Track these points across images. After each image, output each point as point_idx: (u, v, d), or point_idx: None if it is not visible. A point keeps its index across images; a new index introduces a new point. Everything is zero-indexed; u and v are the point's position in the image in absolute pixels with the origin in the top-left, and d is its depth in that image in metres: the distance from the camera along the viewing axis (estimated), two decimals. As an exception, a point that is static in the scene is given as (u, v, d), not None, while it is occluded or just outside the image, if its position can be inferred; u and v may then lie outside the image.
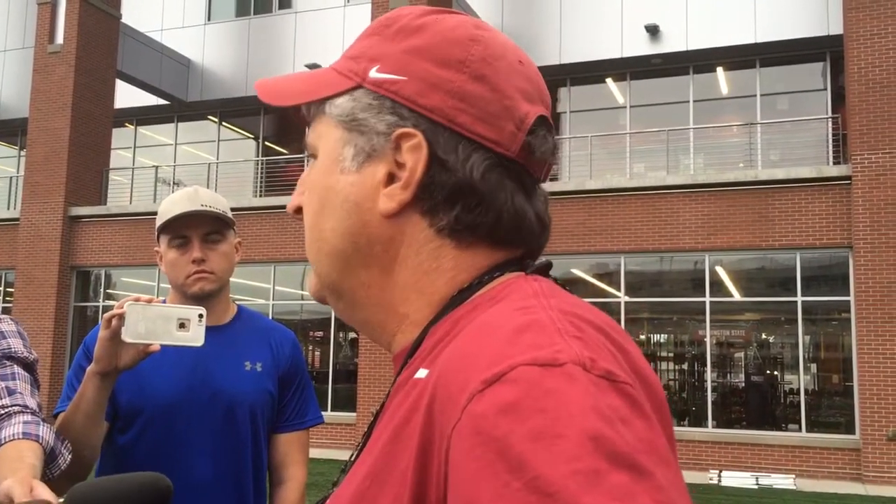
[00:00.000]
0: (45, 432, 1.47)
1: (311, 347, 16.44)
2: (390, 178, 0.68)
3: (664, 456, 0.49)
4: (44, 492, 1.24)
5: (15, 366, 1.60)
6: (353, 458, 0.68)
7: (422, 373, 0.60)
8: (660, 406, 0.57)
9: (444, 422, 0.53)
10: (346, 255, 0.70)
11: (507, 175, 0.67)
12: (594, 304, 0.78)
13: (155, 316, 1.59)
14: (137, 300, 1.59)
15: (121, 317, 1.58)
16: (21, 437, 1.42)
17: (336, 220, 0.70)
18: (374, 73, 0.69)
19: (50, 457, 1.48)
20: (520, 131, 0.67)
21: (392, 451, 0.58)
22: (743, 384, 13.91)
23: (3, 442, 1.42)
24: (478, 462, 0.48)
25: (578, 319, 0.57)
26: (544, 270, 0.71)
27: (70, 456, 1.56)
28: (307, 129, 0.76)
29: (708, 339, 13.55)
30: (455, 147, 0.66)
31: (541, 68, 16.55)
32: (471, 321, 0.61)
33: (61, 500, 1.10)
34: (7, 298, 18.10)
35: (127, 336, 1.57)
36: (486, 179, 0.66)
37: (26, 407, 1.52)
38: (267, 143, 20.15)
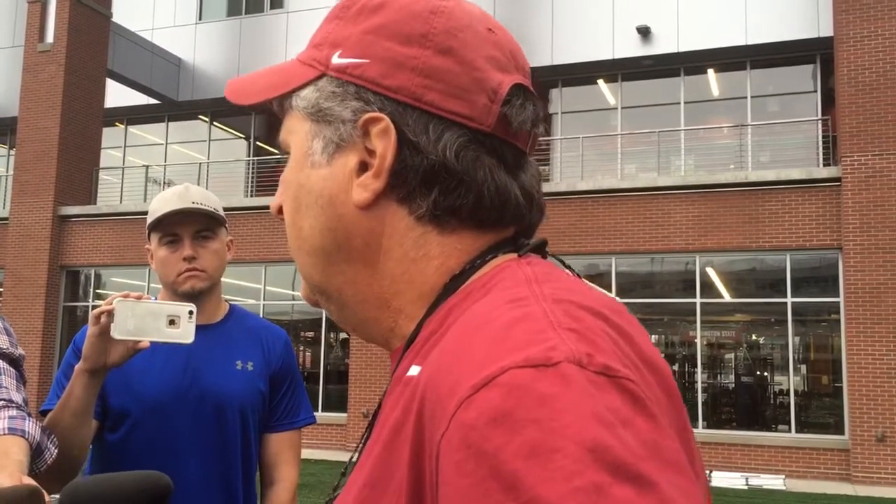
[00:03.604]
0: (31, 427, 1.46)
1: (302, 348, 16.41)
2: (363, 168, 0.64)
3: (671, 459, 0.47)
4: None
5: (0, 361, 1.59)
6: (353, 460, 0.66)
7: (414, 370, 0.58)
8: (670, 392, 0.54)
9: (433, 428, 0.50)
10: (326, 252, 0.67)
11: (485, 151, 0.64)
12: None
13: (144, 313, 1.58)
14: (127, 297, 1.58)
15: (110, 313, 1.57)
16: (7, 432, 1.41)
17: (312, 217, 0.66)
18: (336, 59, 0.66)
19: (36, 452, 1.47)
20: (493, 103, 0.63)
21: (387, 458, 0.55)
22: (733, 385, 13.97)
23: None
24: (469, 478, 0.45)
25: (574, 307, 0.54)
26: (539, 249, 0.68)
27: (56, 450, 1.55)
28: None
29: (698, 340, 13.59)
30: (426, 127, 0.62)
31: (532, 69, 16.77)
32: (462, 311, 0.59)
33: (55, 496, 1.08)
34: (-4, 298, 18.01)
35: (116, 333, 1.56)
36: (462, 158, 0.62)
37: (11, 402, 1.51)
38: (258, 142, 20.10)
